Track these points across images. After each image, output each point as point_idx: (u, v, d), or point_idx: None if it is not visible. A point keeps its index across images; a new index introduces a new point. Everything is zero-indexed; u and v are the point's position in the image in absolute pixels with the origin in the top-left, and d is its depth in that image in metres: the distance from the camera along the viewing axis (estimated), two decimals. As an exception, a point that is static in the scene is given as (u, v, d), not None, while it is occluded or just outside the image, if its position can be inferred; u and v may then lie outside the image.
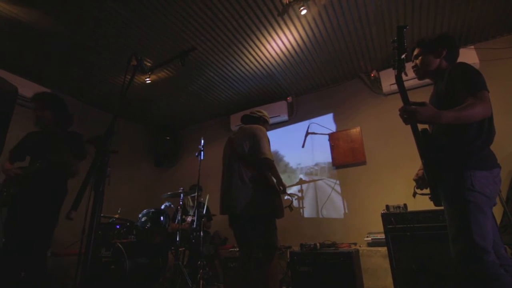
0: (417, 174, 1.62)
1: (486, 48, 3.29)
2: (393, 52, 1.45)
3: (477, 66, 3.16)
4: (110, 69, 3.63)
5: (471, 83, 1.36)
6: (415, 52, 1.66)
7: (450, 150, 1.41)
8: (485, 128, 1.39)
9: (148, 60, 3.42)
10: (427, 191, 1.52)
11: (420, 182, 1.60)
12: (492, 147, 1.42)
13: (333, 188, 3.88)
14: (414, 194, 1.68)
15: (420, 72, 1.66)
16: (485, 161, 1.36)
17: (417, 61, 1.65)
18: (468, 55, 3.19)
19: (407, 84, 3.42)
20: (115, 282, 2.60)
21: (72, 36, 3.01)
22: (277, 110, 4.37)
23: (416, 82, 3.44)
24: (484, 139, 1.39)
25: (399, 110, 1.33)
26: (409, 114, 1.28)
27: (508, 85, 3.13)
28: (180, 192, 3.25)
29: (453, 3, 2.77)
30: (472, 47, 3.27)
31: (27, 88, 3.46)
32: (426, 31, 3.15)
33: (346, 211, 3.71)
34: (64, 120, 2.28)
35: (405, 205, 2.71)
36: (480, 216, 1.27)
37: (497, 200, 2.26)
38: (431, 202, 1.49)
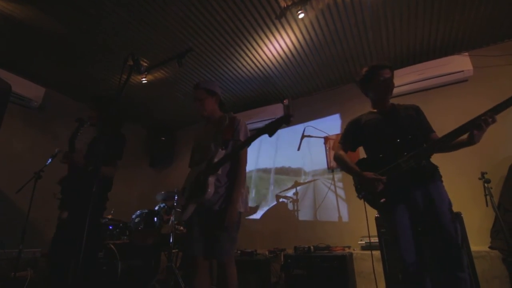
0: (380, 179, 1.61)
1: (480, 55, 3.33)
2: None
3: (471, 73, 3.21)
4: (106, 68, 3.60)
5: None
6: (389, 74, 1.85)
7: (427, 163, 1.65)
8: None
9: (145, 60, 3.41)
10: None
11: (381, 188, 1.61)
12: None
13: (328, 191, 3.89)
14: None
15: (388, 93, 1.87)
16: None
17: (389, 83, 1.85)
18: (462, 62, 3.23)
19: (401, 89, 3.46)
20: (107, 284, 2.56)
21: (68, 34, 2.99)
22: (274, 113, 4.37)
23: (411, 87, 3.49)
24: None
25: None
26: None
27: (501, 92, 3.16)
28: (175, 193, 3.22)
29: (449, 10, 2.81)
30: (467, 54, 3.31)
31: (21, 86, 3.43)
32: (422, 37, 3.18)
33: (341, 214, 3.72)
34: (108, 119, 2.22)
35: (399, 209, 2.73)
36: None
37: (490, 205, 2.29)
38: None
